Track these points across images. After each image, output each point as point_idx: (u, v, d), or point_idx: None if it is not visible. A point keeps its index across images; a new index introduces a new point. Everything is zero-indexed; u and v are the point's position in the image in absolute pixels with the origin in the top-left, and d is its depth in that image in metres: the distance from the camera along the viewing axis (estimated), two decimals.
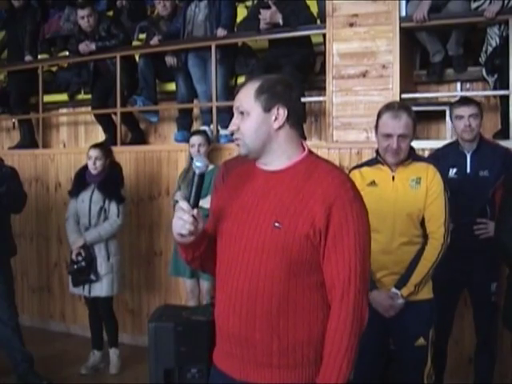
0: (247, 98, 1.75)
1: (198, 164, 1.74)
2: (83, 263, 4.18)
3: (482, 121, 3.47)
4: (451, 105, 3.57)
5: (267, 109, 1.74)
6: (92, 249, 4.24)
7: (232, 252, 1.76)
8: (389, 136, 2.71)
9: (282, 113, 1.75)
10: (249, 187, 1.80)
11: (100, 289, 4.24)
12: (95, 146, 4.38)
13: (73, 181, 4.52)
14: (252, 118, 1.75)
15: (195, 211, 1.71)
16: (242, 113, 1.76)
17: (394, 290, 2.71)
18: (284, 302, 1.69)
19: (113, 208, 4.25)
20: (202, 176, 1.75)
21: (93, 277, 4.20)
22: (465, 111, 3.40)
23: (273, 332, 1.69)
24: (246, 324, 1.72)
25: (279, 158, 1.77)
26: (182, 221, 1.70)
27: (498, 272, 3.52)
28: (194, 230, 1.71)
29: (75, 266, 4.20)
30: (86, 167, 4.36)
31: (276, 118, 1.75)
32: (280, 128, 1.76)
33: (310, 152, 1.81)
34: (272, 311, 1.69)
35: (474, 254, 3.35)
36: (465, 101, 3.51)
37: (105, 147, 4.42)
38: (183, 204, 1.71)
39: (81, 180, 4.38)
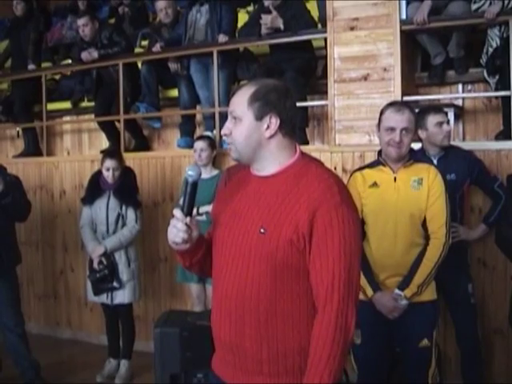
0: (240, 104, 1.73)
1: (191, 173, 1.74)
2: (106, 271, 4.14)
3: None
4: (422, 113, 3.49)
5: (259, 117, 1.71)
6: (113, 256, 4.19)
7: (223, 258, 1.75)
8: (392, 130, 2.73)
9: (274, 122, 1.71)
10: (242, 193, 1.79)
11: (122, 296, 4.21)
12: (111, 155, 4.28)
13: (86, 188, 4.45)
14: (244, 124, 1.72)
15: (188, 219, 1.72)
16: (234, 118, 1.75)
17: (397, 291, 2.71)
18: (272, 310, 1.66)
19: (130, 214, 4.21)
20: (194, 184, 1.75)
21: (116, 284, 4.16)
22: (444, 117, 3.46)
23: (262, 340, 1.67)
24: (235, 332, 1.71)
25: (271, 164, 1.74)
26: (175, 229, 1.72)
27: (469, 274, 3.54)
28: (187, 238, 1.73)
29: (97, 275, 4.15)
30: (98, 173, 4.30)
31: (268, 127, 1.72)
32: (272, 137, 1.72)
33: (303, 155, 1.78)
34: (260, 319, 1.67)
35: (447, 258, 3.26)
36: (438, 107, 3.61)
37: (118, 155, 4.36)
38: (177, 212, 1.72)
39: (95, 187, 4.32)
